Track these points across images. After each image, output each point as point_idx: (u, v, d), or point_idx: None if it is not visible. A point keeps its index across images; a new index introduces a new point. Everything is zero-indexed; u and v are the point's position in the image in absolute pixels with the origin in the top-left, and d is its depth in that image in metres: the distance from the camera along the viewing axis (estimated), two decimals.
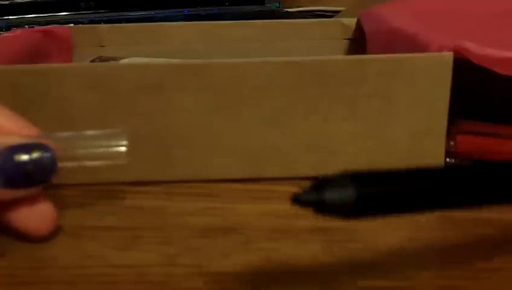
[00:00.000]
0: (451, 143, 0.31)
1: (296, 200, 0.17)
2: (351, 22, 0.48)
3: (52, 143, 0.24)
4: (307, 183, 0.30)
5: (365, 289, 0.22)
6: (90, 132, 0.25)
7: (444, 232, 0.26)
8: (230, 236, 0.25)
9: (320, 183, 0.17)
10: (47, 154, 0.23)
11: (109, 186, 0.30)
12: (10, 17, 0.79)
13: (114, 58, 0.43)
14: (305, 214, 0.28)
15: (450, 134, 0.31)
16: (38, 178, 0.23)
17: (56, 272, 0.23)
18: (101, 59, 0.44)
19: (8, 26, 0.70)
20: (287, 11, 0.89)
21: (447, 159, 0.31)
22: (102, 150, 0.25)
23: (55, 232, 0.25)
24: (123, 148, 0.25)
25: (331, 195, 0.17)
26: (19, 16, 0.79)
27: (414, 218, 0.27)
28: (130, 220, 0.27)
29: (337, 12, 0.71)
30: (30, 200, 0.24)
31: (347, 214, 0.17)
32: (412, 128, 0.30)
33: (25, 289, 0.22)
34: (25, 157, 0.23)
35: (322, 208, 0.17)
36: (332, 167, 0.31)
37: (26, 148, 0.23)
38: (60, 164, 0.24)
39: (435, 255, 0.24)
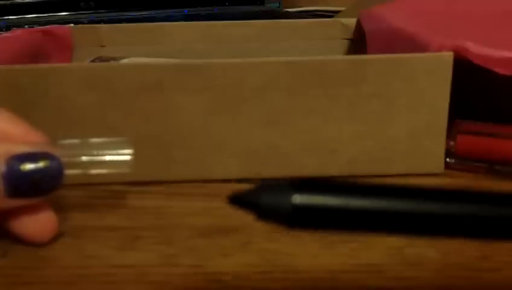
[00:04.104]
0: (451, 143, 0.31)
1: (233, 200, 0.16)
2: (351, 22, 0.48)
3: (58, 150, 0.24)
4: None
5: (365, 288, 0.22)
6: (95, 140, 0.25)
7: None
8: (230, 236, 0.25)
9: (262, 186, 0.16)
10: (53, 163, 0.23)
11: (109, 186, 0.30)
12: (10, 17, 0.79)
13: (114, 58, 0.43)
14: None
15: (450, 134, 0.31)
16: (44, 187, 0.23)
17: (57, 272, 0.23)
18: (101, 59, 0.44)
19: (8, 26, 0.70)
20: (286, 11, 0.89)
21: (447, 159, 0.31)
22: (107, 158, 0.25)
23: (56, 236, 0.25)
24: (128, 157, 0.25)
25: (267, 200, 0.15)
26: (19, 16, 0.79)
27: None
28: (130, 220, 0.27)
29: (337, 12, 0.71)
30: (32, 207, 0.24)
31: (285, 222, 0.16)
32: (412, 128, 0.30)
33: (27, 289, 0.22)
34: (31, 166, 0.22)
35: (261, 213, 0.16)
36: (332, 167, 0.31)
37: (33, 157, 0.23)
38: (65, 172, 0.24)
39: (435, 255, 0.24)
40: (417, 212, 0.16)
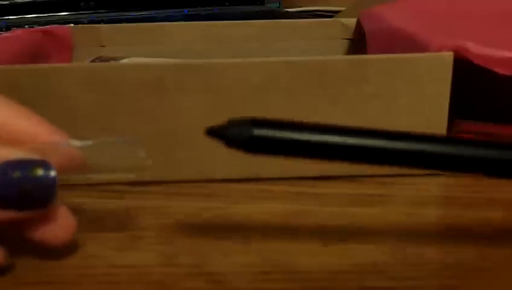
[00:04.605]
0: None
1: (208, 132, 0.21)
2: (351, 22, 0.48)
3: (75, 152, 0.22)
4: (306, 183, 0.30)
5: (365, 289, 0.22)
6: (112, 139, 0.23)
7: (444, 232, 0.26)
8: (230, 236, 0.25)
9: (229, 122, 0.20)
10: (47, 173, 0.21)
11: (109, 186, 0.30)
12: (10, 17, 0.79)
13: (114, 58, 0.43)
14: (305, 213, 0.28)
15: (450, 134, 0.31)
16: (36, 199, 0.21)
17: (58, 272, 0.23)
18: (101, 59, 0.44)
19: (8, 26, 0.70)
20: (286, 11, 0.89)
21: None
22: (125, 160, 0.23)
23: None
24: (143, 160, 0.22)
25: (232, 132, 0.20)
26: (19, 16, 0.79)
27: (414, 218, 0.27)
28: (130, 220, 0.27)
29: (337, 12, 0.71)
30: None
31: (244, 149, 0.20)
32: (412, 128, 0.30)
33: (28, 289, 0.22)
34: (21, 174, 0.21)
35: (227, 141, 0.20)
36: (332, 166, 0.31)
37: (25, 164, 0.21)
38: (81, 176, 0.22)
39: (435, 255, 0.24)
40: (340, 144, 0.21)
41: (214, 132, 0.20)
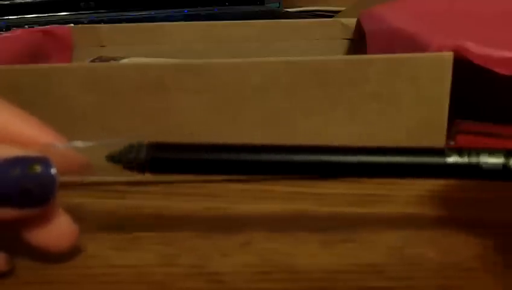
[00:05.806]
0: (451, 143, 0.31)
1: (107, 158, 0.22)
2: (351, 22, 0.48)
3: (75, 154, 0.22)
4: (306, 184, 0.30)
5: (365, 288, 0.22)
6: (112, 140, 0.23)
7: (444, 232, 0.26)
8: (230, 236, 0.25)
9: (126, 148, 0.22)
10: (47, 170, 0.21)
11: (109, 186, 0.30)
12: (10, 17, 0.79)
13: (114, 58, 0.43)
14: (304, 213, 0.28)
15: (450, 134, 0.31)
16: (36, 197, 0.21)
17: (57, 272, 0.23)
18: (101, 59, 0.44)
19: (8, 26, 0.70)
20: (286, 11, 0.89)
21: None
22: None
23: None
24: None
25: (128, 157, 0.21)
26: (19, 16, 0.79)
27: (414, 218, 0.27)
28: (129, 220, 0.27)
29: (337, 12, 0.71)
30: (45, 215, 0.22)
31: (139, 171, 0.22)
32: (412, 129, 0.30)
33: (27, 289, 0.22)
34: (20, 171, 0.20)
35: (125, 166, 0.22)
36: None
37: (25, 162, 0.20)
38: (78, 178, 0.23)
39: (435, 255, 0.24)
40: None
41: (112, 159, 0.22)
